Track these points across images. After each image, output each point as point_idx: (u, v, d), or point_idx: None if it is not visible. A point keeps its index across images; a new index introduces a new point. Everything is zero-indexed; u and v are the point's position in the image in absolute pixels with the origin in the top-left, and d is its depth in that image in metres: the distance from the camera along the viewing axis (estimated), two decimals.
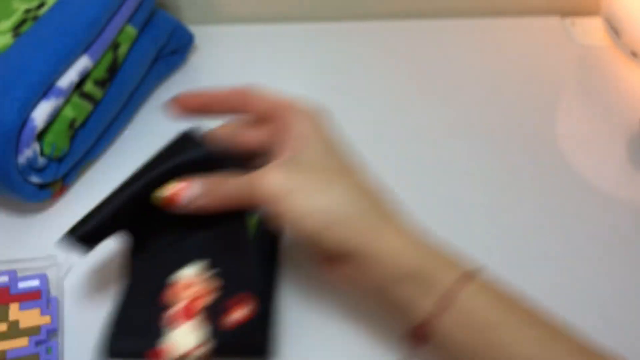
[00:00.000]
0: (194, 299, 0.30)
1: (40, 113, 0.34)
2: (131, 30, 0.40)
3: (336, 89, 0.46)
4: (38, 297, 0.33)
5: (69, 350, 0.33)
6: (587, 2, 0.52)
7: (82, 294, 0.35)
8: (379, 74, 0.47)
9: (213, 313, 0.29)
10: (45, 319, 0.32)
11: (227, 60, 0.48)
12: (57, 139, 0.36)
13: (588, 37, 0.50)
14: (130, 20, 0.40)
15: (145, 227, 0.31)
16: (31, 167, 0.35)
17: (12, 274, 0.34)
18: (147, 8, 0.41)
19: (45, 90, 0.35)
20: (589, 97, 0.46)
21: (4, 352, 0.31)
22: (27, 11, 0.38)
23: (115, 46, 0.39)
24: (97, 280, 0.36)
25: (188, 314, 0.29)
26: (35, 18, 0.37)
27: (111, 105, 0.40)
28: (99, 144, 0.40)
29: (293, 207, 0.27)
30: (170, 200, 0.29)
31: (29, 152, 0.34)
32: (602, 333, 0.30)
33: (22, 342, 0.31)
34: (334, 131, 0.31)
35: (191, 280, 0.30)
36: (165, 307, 0.30)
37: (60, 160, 0.37)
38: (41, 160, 0.35)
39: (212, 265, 0.30)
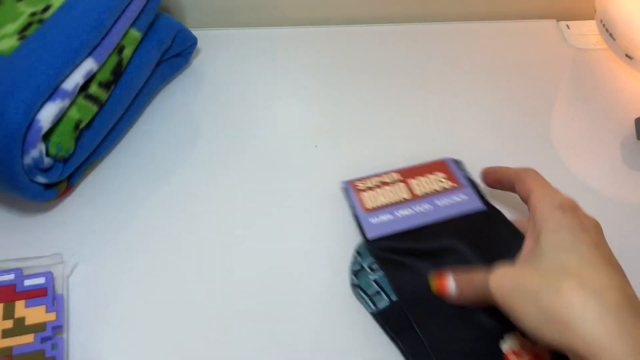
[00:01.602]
0: (535, 356, 0.31)
1: (46, 114, 0.35)
2: (135, 34, 0.41)
3: (338, 92, 0.47)
4: (44, 294, 0.34)
5: (74, 346, 0.33)
6: (582, 6, 0.53)
7: (87, 291, 0.35)
8: (380, 77, 0.48)
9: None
10: (51, 316, 0.33)
11: (229, 63, 0.48)
12: (63, 140, 0.36)
13: (583, 40, 0.51)
14: (134, 23, 0.40)
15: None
16: (37, 167, 0.35)
17: (18, 272, 0.34)
18: (151, 12, 0.42)
19: (51, 92, 0.35)
20: (584, 99, 0.47)
21: (10, 348, 0.31)
22: (33, 14, 0.39)
23: (119, 49, 0.40)
24: (103, 278, 0.36)
25: None
26: (40, 21, 0.38)
27: (116, 106, 0.40)
28: (104, 144, 0.41)
29: (513, 310, 0.28)
30: (439, 292, 0.33)
31: (34, 152, 0.35)
32: None
33: (27, 338, 0.32)
34: (586, 226, 0.30)
35: (519, 345, 0.31)
36: None
37: (65, 160, 0.38)
38: (47, 161, 0.36)
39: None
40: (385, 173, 0.39)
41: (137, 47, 0.41)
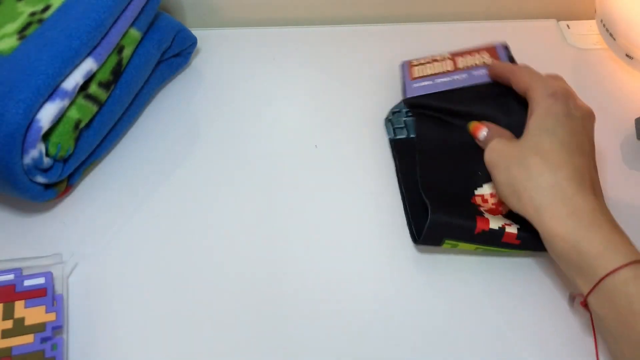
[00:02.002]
0: (496, 205, 0.37)
1: (46, 114, 0.35)
2: (135, 34, 0.41)
3: (338, 92, 0.47)
4: (43, 294, 0.34)
5: (74, 346, 0.33)
6: (582, 6, 0.53)
7: (86, 291, 0.35)
8: (380, 76, 0.48)
9: (513, 215, 0.35)
10: (51, 316, 0.33)
11: (229, 62, 0.48)
12: (62, 140, 0.36)
13: (583, 39, 0.51)
14: (134, 23, 0.40)
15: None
16: (36, 167, 0.35)
17: (18, 272, 0.34)
18: (151, 12, 0.42)
19: (51, 92, 0.35)
20: (585, 98, 0.46)
21: (9, 348, 0.32)
22: (33, 14, 0.39)
23: (119, 49, 0.40)
24: (103, 278, 0.36)
25: (495, 212, 0.36)
26: (40, 21, 0.38)
27: (115, 106, 0.40)
28: (104, 144, 0.41)
29: (493, 176, 0.35)
30: (473, 133, 0.38)
31: (34, 152, 0.35)
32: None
33: (27, 339, 0.32)
34: (573, 113, 0.34)
35: (489, 194, 0.37)
36: (476, 206, 0.37)
37: (65, 160, 0.38)
38: (46, 161, 0.36)
39: None
40: (440, 54, 0.45)
41: (137, 47, 0.41)
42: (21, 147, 0.34)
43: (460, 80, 0.42)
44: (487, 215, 0.36)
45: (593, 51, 0.50)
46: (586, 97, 0.47)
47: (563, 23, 0.52)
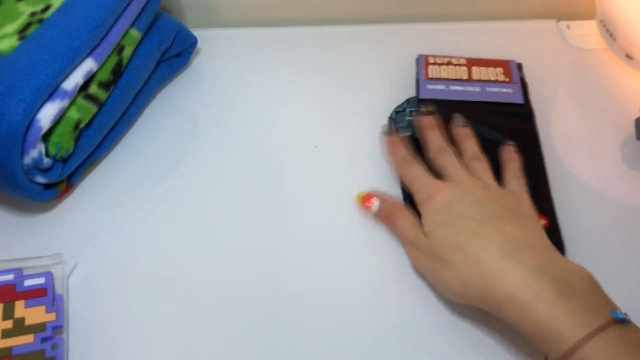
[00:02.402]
0: None
1: (46, 114, 0.35)
2: (135, 34, 0.41)
3: (336, 92, 0.47)
4: (43, 294, 0.34)
5: (74, 346, 0.33)
6: (582, 6, 0.53)
7: (87, 291, 0.35)
8: (379, 76, 0.48)
9: None
10: (51, 316, 0.33)
11: (229, 63, 0.48)
12: (62, 140, 0.36)
13: (583, 40, 0.51)
14: (134, 23, 0.40)
15: None
16: (36, 167, 0.35)
17: (18, 272, 0.35)
18: (151, 12, 0.42)
19: (51, 92, 0.35)
20: (584, 99, 0.47)
21: (10, 348, 0.32)
22: (33, 14, 0.39)
23: (119, 49, 0.40)
24: (103, 278, 0.36)
25: None
26: (40, 21, 0.38)
27: (115, 106, 0.40)
28: (104, 144, 0.41)
29: (430, 281, 0.35)
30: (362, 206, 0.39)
31: (34, 152, 0.35)
32: None
33: (27, 339, 0.32)
34: (448, 204, 0.34)
35: None
36: None
37: (65, 160, 0.38)
38: (46, 161, 0.36)
39: None
40: (455, 57, 0.47)
41: (137, 47, 0.41)
42: (21, 147, 0.34)
43: (473, 93, 0.44)
44: None
45: (593, 51, 0.50)
46: (585, 97, 0.47)
47: (563, 23, 0.52)
